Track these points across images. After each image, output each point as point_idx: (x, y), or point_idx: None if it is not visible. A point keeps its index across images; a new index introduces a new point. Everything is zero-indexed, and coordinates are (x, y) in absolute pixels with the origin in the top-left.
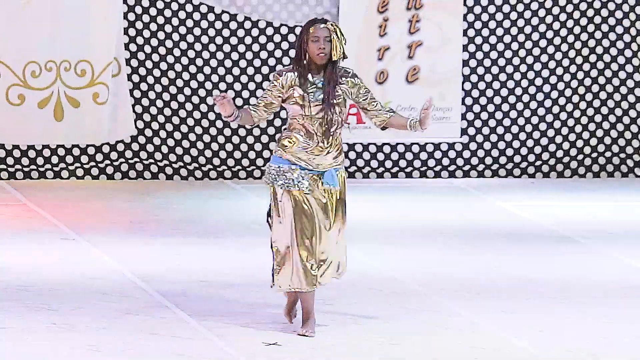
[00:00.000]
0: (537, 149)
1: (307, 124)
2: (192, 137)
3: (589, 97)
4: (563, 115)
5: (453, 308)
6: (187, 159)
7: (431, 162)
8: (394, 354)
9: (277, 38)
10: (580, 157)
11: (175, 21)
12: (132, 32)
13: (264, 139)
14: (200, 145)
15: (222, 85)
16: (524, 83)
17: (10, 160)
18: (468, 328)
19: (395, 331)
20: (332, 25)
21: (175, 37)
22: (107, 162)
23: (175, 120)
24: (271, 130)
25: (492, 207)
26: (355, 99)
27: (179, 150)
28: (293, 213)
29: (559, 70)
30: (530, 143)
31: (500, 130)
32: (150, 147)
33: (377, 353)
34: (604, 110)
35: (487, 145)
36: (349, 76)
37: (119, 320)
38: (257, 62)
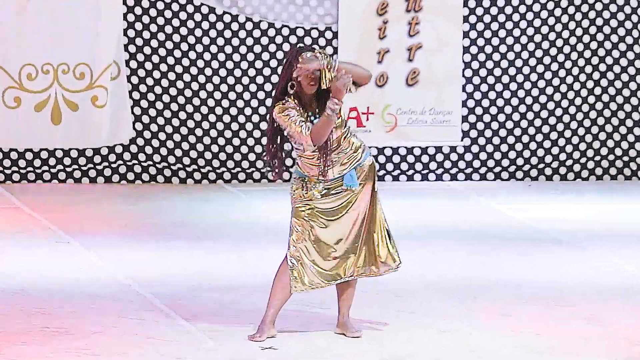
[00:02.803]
0: (540, 152)
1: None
2: (191, 139)
3: (591, 99)
4: (566, 118)
5: (450, 310)
6: (186, 161)
7: (433, 165)
8: (388, 356)
9: (278, 39)
10: (583, 159)
11: (176, 22)
12: (131, 33)
13: (264, 141)
14: (199, 147)
15: (224, 87)
16: (527, 85)
17: (7, 163)
18: (465, 330)
19: (391, 333)
20: (319, 52)
21: (176, 38)
22: (105, 164)
23: (175, 122)
24: None
25: (491, 211)
26: None
27: (177, 153)
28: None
29: (562, 73)
30: (533, 146)
31: (502, 132)
32: (148, 149)
33: (371, 355)
34: (607, 113)
35: (489, 148)
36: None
37: (114, 323)
38: (258, 64)
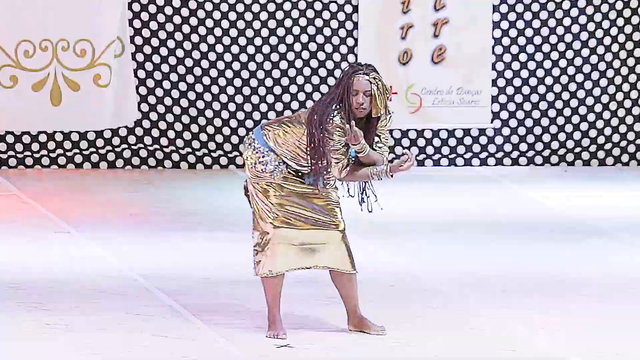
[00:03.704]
0: (577, 135)
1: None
2: (201, 121)
3: (632, 78)
4: (605, 99)
5: (473, 307)
6: (195, 144)
7: (461, 149)
8: (400, 355)
9: (294, 14)
10: (623, 143)
11: None
12: (136, 7)
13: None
14: (210, 129)
15: (236, 65)
16: (562, 63)
17: (2, 146)
18: (488, 329)
19: (406, 332)
20: (374, 78)
21: (185, 12)
22: (109, 148)
23: (184, 102)
24: (288, 113)
25: (524, 198)
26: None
27: (186, 136)
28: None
29: (600, 49)
30: (569, 128)
31: (536, 114)
32: (155, 132)
33: (384, 355)
34: None
35: (521, 131)
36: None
37: (118, 320)
38: (273, 40)
